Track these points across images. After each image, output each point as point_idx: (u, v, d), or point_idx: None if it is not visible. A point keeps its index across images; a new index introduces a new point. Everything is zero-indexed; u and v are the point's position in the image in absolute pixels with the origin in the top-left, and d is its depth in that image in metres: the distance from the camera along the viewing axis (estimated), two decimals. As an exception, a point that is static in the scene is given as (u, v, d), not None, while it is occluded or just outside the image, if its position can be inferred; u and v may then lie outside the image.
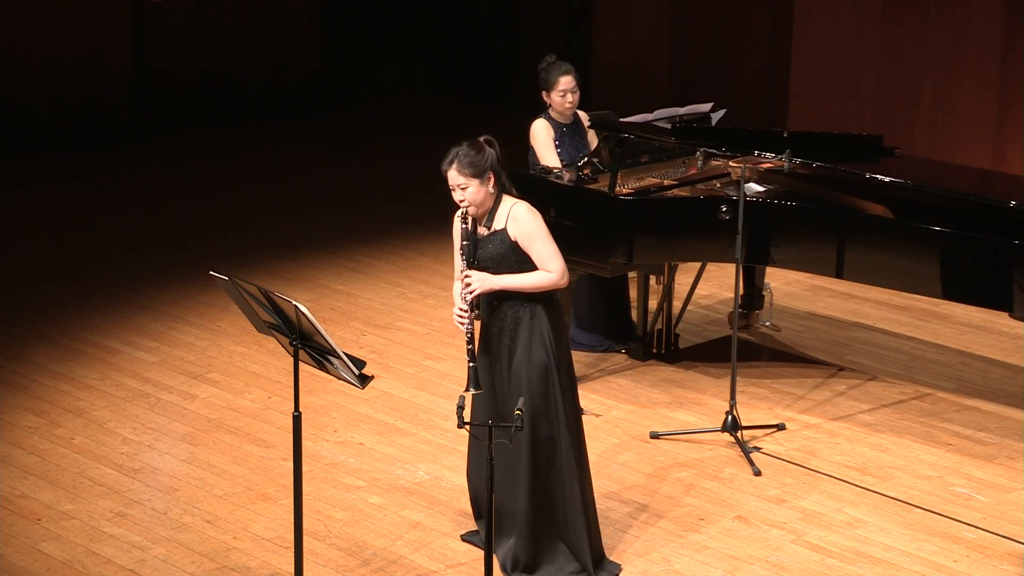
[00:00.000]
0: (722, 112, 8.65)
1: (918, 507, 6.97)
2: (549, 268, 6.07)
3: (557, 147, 8.30)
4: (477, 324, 6.15)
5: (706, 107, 8.62)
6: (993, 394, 8.23)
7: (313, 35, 14.35)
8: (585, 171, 8.07)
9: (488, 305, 6.17)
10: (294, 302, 5.57)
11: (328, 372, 5.86)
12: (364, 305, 9.47)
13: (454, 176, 6.01)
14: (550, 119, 8.32)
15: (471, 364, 5.98)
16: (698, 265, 8.99)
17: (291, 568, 6.13)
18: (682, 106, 8.62)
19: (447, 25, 15.18)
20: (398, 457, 7.41)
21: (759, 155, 7.84)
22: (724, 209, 7.57)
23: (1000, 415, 7.98)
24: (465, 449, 7.35)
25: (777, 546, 6.62)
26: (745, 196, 7.46)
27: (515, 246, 6.07)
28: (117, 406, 7.94)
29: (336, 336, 8.62)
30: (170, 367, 8.45)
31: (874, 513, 6.92)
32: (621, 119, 8.38)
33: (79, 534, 6.61)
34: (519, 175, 8.30)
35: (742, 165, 7.57)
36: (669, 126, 8.19)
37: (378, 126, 14.28)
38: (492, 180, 6.04)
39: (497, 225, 6.09)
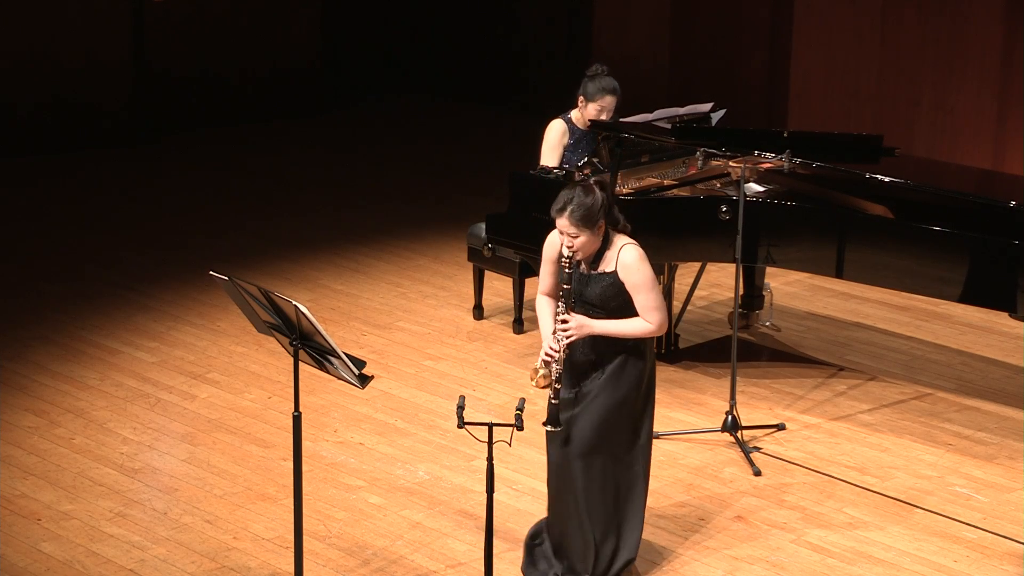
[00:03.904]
0: (722, 112, 8.63)
1: (918, 507, 6.97)
2: (650, 320, 5.98)
3: (570, 149, 8.29)
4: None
5: (706, 107, 8.60)
6: (993, 394, 8.23)
7: (313, 35, 14.34)
8: (585, 171, 8.06)
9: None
10: (294, 302, 5.57)
11: (328, 372, 5.86)
12: (364, 305, 9.46)
13: (565, 225, 5.94)
14: (569, 123, 8.31)
15: (554, 401, 5.92)
16: (698, 265, 8.99)
17: (291, 568, 6.13)
18: (682, 106, 8.61)
19: (447, 25, 15.17)
20: (398, 457, 7.41)
21: (759, 155, 7.83)
22: (724, 209, 7.57)
23: (1000, 415, 7.97)
24: (464, 449, 7.37)
25: (777, 546, 6.62)
26: (745, 196, 7.46)
27: (623, 289, 6.01)
28: (117, 406, 7.93)
29: (336, 336, 8.61)
30: (170, 367, 8.45)
31: (874, 513, 6.91)
32: (621, 119, 8.37)
33: (79, 534, 6.61)
34: (520, 174, 8.33)
35: (742, 165, 7.57)
36: (669, 126, 8.17)
37: (378, 126, 14.27)
38: (602, 228, 5.99)
39: (606, 267, 6.02)
